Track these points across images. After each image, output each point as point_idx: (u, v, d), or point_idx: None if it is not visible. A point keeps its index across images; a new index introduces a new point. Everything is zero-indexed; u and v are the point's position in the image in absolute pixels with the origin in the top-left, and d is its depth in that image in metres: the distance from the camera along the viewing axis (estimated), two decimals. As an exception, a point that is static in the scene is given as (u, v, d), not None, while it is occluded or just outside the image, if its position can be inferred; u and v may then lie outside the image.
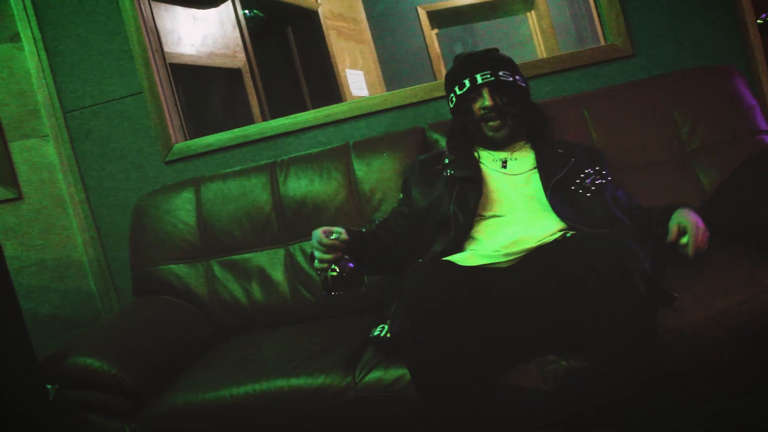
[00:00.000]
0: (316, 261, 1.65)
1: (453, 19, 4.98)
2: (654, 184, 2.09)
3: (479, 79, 1.83)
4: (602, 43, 2.47)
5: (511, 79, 1.85)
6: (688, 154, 2.13)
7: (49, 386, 1.85)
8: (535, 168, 1.86)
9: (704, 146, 2.13)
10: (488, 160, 1.92)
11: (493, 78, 1.82)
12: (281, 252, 2.28)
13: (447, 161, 1.94)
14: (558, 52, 4.40)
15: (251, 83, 3.71)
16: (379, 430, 1.67)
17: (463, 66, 1.91)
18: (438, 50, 4.81)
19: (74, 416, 1.83)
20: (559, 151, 1.89)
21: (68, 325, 2.70)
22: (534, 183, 1.83)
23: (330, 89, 4.27)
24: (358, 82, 4.58)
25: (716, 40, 2.37)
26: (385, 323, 1.75)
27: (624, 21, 2.38)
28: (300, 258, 2.26)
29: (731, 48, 2.36)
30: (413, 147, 2.26)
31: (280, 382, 1.71)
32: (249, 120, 3.65)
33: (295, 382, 1.70)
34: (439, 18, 4.84)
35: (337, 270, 1.63)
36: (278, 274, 2.25)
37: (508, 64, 1.89)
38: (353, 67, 4.55)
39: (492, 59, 1.89)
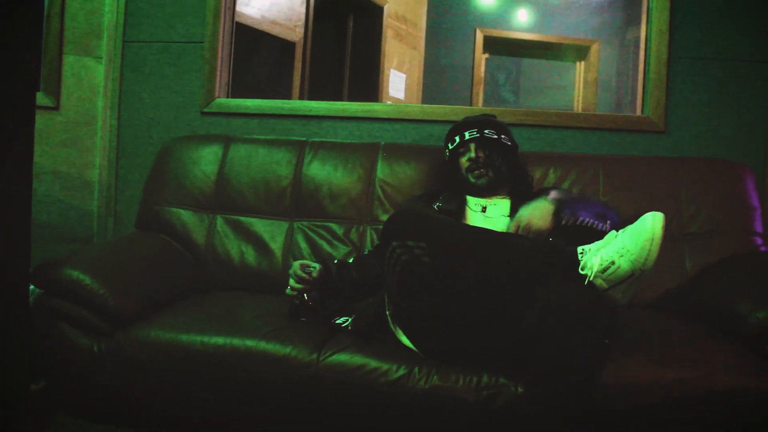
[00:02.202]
0: (288, 288, 1.96)
1: (506, 48, 5.07)
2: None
3: (467, 135, 2.15)
4: (638, 111, 2.56)
5: (495, 136, 2.15)
6: (683, 236, 2.23)
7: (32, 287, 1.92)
8: (507, 215, 2.08)
9: (700, 232, 2.24)
10: (472, 204, 2.15)
11: (478, 135, 2.14)
12: (285, 225, 2.39)
13: (441, 197, 2.14)
14: (594, 105, 4.49)
15: (300, 59, 3.81)
16: (335, 414, 1.75)
17: (458, 125, 2.22)
18: (482, 74, 4.89)
19: (49, 323, 1.89)
20: (531, 200, 2.04)
21: (59, 238, 2.79)
22: (505, 226, 2.03)
23: (370, 83, 4.36)
24: (399, 83, 4.67)
25: (743, 137, 2.48)
26: (350, 316, 1.88)
27: (665, 98, 2.48)
28: (300, 237, 2.36)
29: (753, 149, 2.47)
30: (438, 164, 2.37)
31: (250, 343, 1.78)
32: (287, 93, 3.76)
33: (264, 345, 1.78)
34: (493, 44, 4.93)
35: (299, 300, 1.93)
36: (275, 245, 2.36)
37: (496, 126, 2.19)
38: (399, 68, 4.64)
39: (482, 121, 2.19)
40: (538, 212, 1.91)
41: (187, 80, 2.74)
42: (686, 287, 2.14)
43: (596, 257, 1.54)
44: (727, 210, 2.24)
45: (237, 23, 2.94)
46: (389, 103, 2.55)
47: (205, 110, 2.72)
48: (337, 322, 1.89)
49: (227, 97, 2.78)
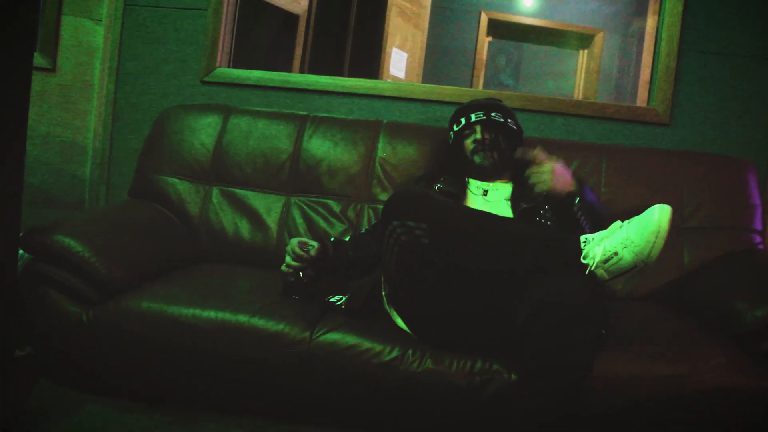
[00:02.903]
0: (284, 265, 1.92)
1: (509, 33, 5.02)
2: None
3: (473, 117, 2.11)
4: (639, 101, 2.54)
5: (502, 120, 2.11)
6: (683, 230, 2.22)
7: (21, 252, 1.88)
8: (509, 198, 2.05)
9: (700, 227, 2.22)
10: (473, 188, 2.12)
11: (485, 117, 2.10)
12: (282, 200, 2.35)
13: (442, 179, 2.12)
14: (594, 94, 4.46)
15: (303, 32, 3.75)
16: (326, 393, 1.73)
17: (464, 108, 2.18)
18: (484, 57, 4.85)
19: (37, 289, 1.86)
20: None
21: (49, 202, 2.75)
22: (507, 210, 2.02)
23: (371, 60, 4.31)
24: (400, 63, 4.61)
25: (748, 134, 2.46)
26: (344, 295, 1.85)
27: (673, 91, 2.45)
28: (296, 212, 2.33)
29: (758, 146, 2.45)
30: (440, 146, 2.35)
31: (242, 318, 1.76)
32: (287, 66, 3.70)
33: (256, 321, 1.75)
34: (497, 28, 4.88)
35: (294, 278, 1.90)
36: (271, 219, 2.32)
37: (503, 109, 2.16)
38: (401, 47, 4.58)
39: (489, 104, 2.15)
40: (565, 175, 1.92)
41: (189, 48, 2.69)
42: (683, 281, 2.13)
43: (599, 247, 1.52)
44: (728, 206, 2.22)
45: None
46: (392, 80, 2.50)
47: (206, 79, 2.67)
48: (331, 300, 1.86)
49: (228, 67, 2.74)
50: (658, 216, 1.47)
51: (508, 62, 5.39)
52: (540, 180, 1.88)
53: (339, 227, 2.29)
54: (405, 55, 4.66)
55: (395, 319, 1.79)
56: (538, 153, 1.91)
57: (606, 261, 1.50)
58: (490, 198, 2.07)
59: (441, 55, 4.83)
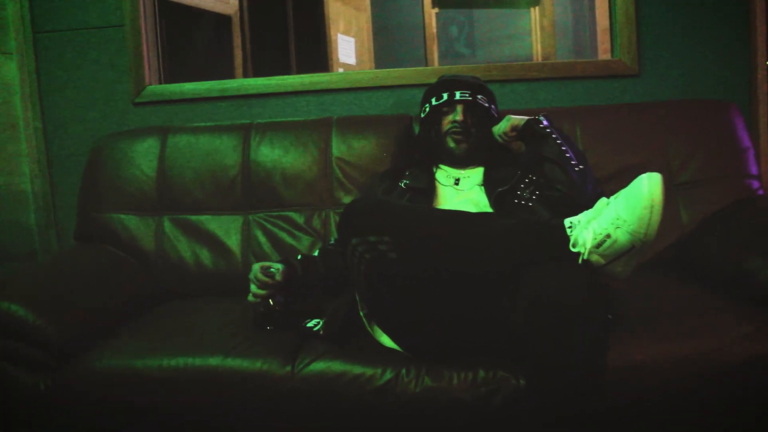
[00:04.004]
0: (250, 295, 1.74)
1: (455, 0, 4.87)
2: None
3: (458, 95, 1.91)
4: (600, 54, 2.38)
5: (486, 105, 1.94)
6: (674, 187, 2.07)
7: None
8: (481, 184, 1.89)
9: (692, 181, 2.08)
10: (443, 177, 1.95)
11: (470, 98, 1.91)
12: (239, 220, 2.16)
13: (407, 173, 1.96)
14: (554, 52, 4.32)
15: (239, 33, 3.54)
16: (316, 428, 1.58)
17: (447, 82, 1.98)
18: (434, 30, 4.70)
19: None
20: (506, 166, 1.91)
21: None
22: (481, 197, 1.85)
23: (318, 51, 4.14)
24: (348, 49, 4.45)
25: (723, 75, 2.31)
26: (321, 318, 1.69)
27: (636, 38, 2.29)
28: (258, 231, 2.15)
29: (736, 86, 2.30)
30: (399, 135, 2.17)
31: (214, 361, 1.59)
32: (230, 72, 3.50)
33: (230, 363, 1.58)
34: (443, -3, 4.72)
35: (263, 308, 1.73)
36: (232, 242, 2.14)
37: (488, 93, 1.98)
38: (346, 33, 4.41)
39: (476, 85, 1.97)
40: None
41: (113, 68, 2.47)
42: (685, 242, 1.99)
43: (588, 231, 1.36)
44: (718, 154, 2.07)
45: (166, 0, 2.67)
46: (340, 71, 2.32)
47: (137, 100, 2.46)
48: (308, 325, 1.69)
49: (160, 83, 2.52)
50: (648, 188, 1.31)
51: (460, 31, 5.27)
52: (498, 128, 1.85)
53: (306, 240, 2.11)
54: (352, 40, 4.49)
55: (379, 338, 1.63)
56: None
57: (599, 245, 1.34)
58: (463, 186, 1.90)
59: (389, 35, 4.70)
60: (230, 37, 3.48)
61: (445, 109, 1.93)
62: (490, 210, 1.80)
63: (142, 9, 2.43)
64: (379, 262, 1.46)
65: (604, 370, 1.40)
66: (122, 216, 2.16)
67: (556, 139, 1.75)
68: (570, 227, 1.40)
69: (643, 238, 1.31)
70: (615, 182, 2.02)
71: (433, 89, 1.99)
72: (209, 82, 2.46)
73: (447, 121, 1.93)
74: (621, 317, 1.56)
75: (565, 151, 1.73)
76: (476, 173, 1.92)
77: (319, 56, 4.11)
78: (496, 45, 5.16)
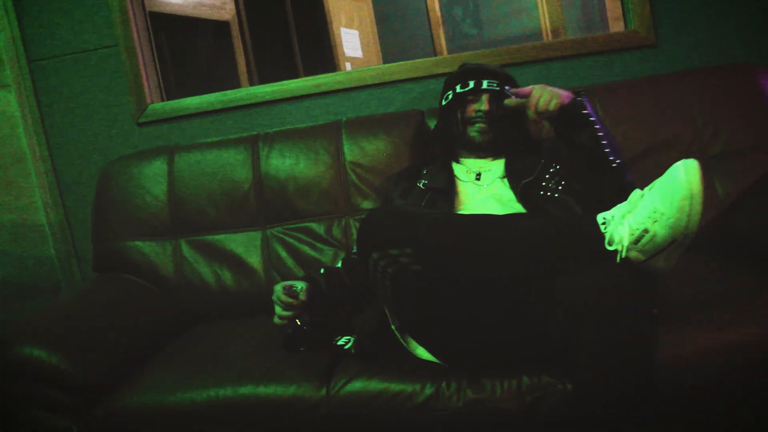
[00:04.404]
0: (275, 317, 1.69)
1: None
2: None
3: (485, 84, 1.81)
4: (611, 23, 2.27)
5: None
6: (707, 161, 1.95)
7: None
8: (503, 176, 1.80)
9: (725, 153, 1.97)
10: (462, 173, 1.86)
11: (498, 88, 1.81)
12: (258, 235, 2.10)
13: (425, 172, 1.88)
14: (563, 25, 4.19)
15: (239, 38, 3.46)
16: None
17: (473, 70, 1.87)
18: (438, 14, 4.60)
19: (16, 410, 1.64)
20: (529, 155, 1.82)
21: (22, 292, 2.50)
22: (505, 191, 1.77)
23: (323, 49, 4.05)
24: (353, 42, 4.36)
25: (747, 36, 2.18)
26: (351, 335, 1.63)
27: (649, 6, 2.18)
28: (278, 246, 2.08)
29: (762, 47, 2.17)
30: (412, 131, 2.09)
31: (246, 390, 1.54)
32: (235, 79, 3.42)
33: (263, 390, 1.53)
34: (442, -22, 4.60)
35: (291, 329, 1.68)
36: (253, 260, 2.07)
37: (514, 84, 1.87)
38: (349, 26, 4.31)
39: (502, 74, 1.87)
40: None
41: (113, 90, 2.40)
42: (723, 219, 1.87)
43: (623, 227, 1.27)
44: (750, 122, 1.96)
45: (157, 14, 2.60)
46: (347, 67, 2.23)
47: (141, 120, 2.39)
48: (338, 343, 1.62)
49: (162, 100, 2.45)
50: (684, 177, 1.21)
51: (466, 12, 5.14)
52: (529, 103, 1.64)
53: (328, 251, 2.04)
54: (356, 32, 4.40)
55: (415, 351, 1.55)
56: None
57: (637, 241, 1.26)
58: (485, 180, 1.81)
59: (393, 24, 4.59)
60: (230, 43, 3.40)
61: (470, 97, 1.82)
62: (515, 204, 1.71)
63: (134, 27, 2.35)
64: (403, 275, 1.39)
65: (656, 368, 1.33)
66: (138, 243, 2.10)
67: (598, 130, 1.63)
68: (604, 223, 1.31)
69: (685, 230, 1.22)
70: (644, 162, 1.96)
71: (458, 76, 1.88)
72: (212, 94, 2.39)
73: (471, 110, 1.82)
74: (667, 309, 1.47)
75: (605, 145, 1.62)
76: (497, 165, 1.84)
77: (324, 53, 4.02)
78: (503, 22, 5.03)
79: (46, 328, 1.74)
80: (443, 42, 4.55)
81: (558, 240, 1.34)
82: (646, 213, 1.24)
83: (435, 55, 4.46)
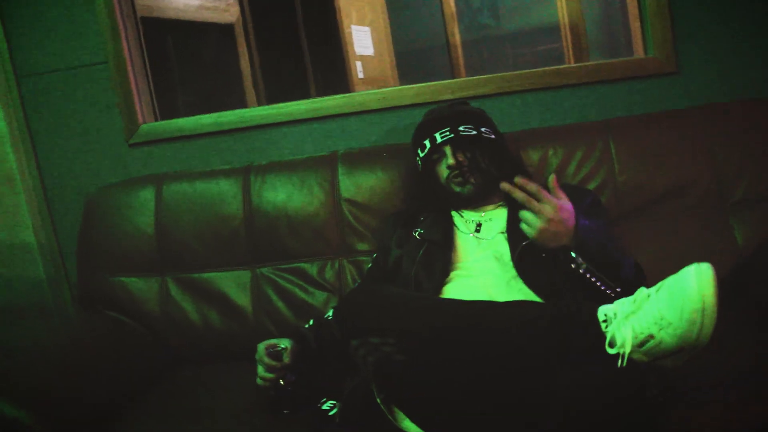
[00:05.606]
0: (258, 378, 1.58)
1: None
2: (679, 237, 1.82)
3: (438, 137, 1.70)
4: (631, 23, 2.14)
5: (474, 132, 1.70)
6: (728, 207, 1.83)
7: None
8: (504, 231, 1.67)
9: (746, 199, 1.84)
10: (462, 223, 1.75)
11: (452, 135, 1.69)
12: (247, 275, 1.99)
13: (422, 219, 1.77)
14: (581, 17, 4.02)
15: (244, 41, 3.34)
16: None
17: (425, 125, 1.78)
18: (453, 7, 4.44)
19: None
20: None
21: (11, 314, 2.43)
22: (506, 249, 1.64)
23: (333, 49, 3.91)
24: (365, 39, 4.22)
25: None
26: (338, 400, 1.52)
27: (671, 32, 2.03)
28: (268, 288, 1.97)
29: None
30: (408, 170, 1.96)
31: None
32: (239, 87, 3.31)
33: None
34: (459, -33, 4.45)
35: (274, 391, 1.58)
36: (243, 301, 1.97)
37: (473, 117, 1.75)
38: (360, 22, 4.17)
39: (453, 116, 1.74)
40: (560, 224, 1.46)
41: (104, 109, 2.29)
42: (742, 270, 1.74)
43: (627, 328, 1.15)
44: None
45: (154, 19, 2.47)
46: (348, 94, 2.10)
47: (132, 141, 2.28)
48: (323, 408, 1.53)
49: (155, 120, 2.35)
50: (697, 286, 1.09)
51: (484, 1, 4.99)
52: (526, 221, 1.47)
53: (320, 296, 1.92)
54: (368, 29, 4.25)
55: (401, 423, 1.45)
56: (532, 185, 1.47)
57: (641, 345, 1.14)
58: (484, 234, 1.69)
59: (406, 18, 4.45)
60: (234, 47, 3.28)
61: (434, 156, 1.72)
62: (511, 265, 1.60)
63: (124, 42, 2.23)
64: (386, 364, 1.30)
65: None
66: (123, 279, 2.01)
67: (591, 278, 1.45)
68: (605, 321, 1.19)
69: (695, 342, 1.10)
70: (662, 206, 1.85)
71: (415, 139, 1.79)
72: (207, 115, 2.27)
73: (442, 169, 1.71)
74: (673, 385, 1.35)
75: (600, 286, 1.45)
76: (499, 215, 1.71)
77: (334, 53, 3.88)
78: (521, 14, 4.88)
79: (21, 381, 1.62)
80: (458, 36, 4.41)
81: (555, 335, 1.22)
82: (653, 319, 1.12)
83: (448, 49, 4.33)
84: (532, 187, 1.46)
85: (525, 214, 1.46)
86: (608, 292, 1.45)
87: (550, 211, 1.43)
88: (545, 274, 1.53)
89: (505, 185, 1.48)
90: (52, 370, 1.69)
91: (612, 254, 1.50)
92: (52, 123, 2.33)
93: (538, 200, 1.44)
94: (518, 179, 1.47)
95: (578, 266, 1.44)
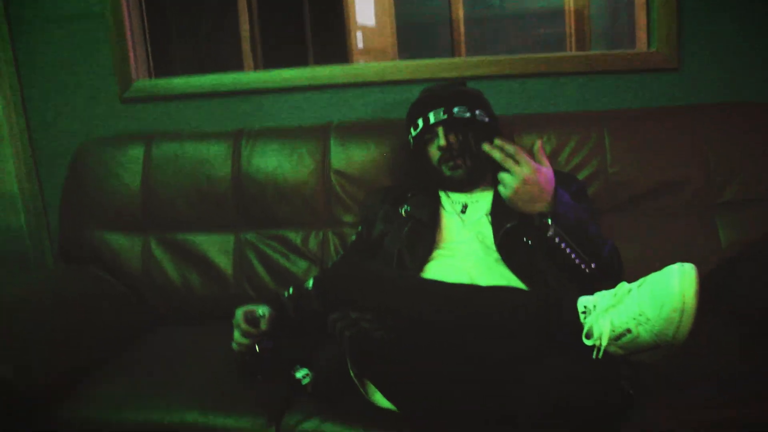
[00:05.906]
0: (234, 343, 1.56)
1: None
2: (664, 233, 1.83)
3: (432, 117, 1.68)
4: (637, 11, 2.12)
5: (468, 114, 1.68)
6: (714, 207, 1.84)
7: None
8: (489, 213, 1.65)
9: (734, 201, 1.84)
10: (448, 204, 1.73)
11: (446, 116, 1.67)
12: (231, 239, 1.99)
13: (410, 195, 1.75)
14: (587, 4, 3.99)
15: (245, 3, 3.28)
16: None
17: (420, 103, 1.75)
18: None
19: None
20: None
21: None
22: (489, 232, 1.63)
23: (335, 16, 3.86)
24: (367, 8, 4.18)
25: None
26: (310, 371, 1.51)
27: (677, 27, 2.01)
28: (251, 254, 1.97)
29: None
30: (402, 146, 1.93)
31: (192, 417, 1.45)
32: (237, 50, 3.25)
33: (210, 420, 1.44)
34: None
35: (249, 357, 1.56)
36: (224, 265, 1.97)
37: (469, 98, 1.72)
38: (363, -9, 4.13)
39: (449, 96, 1.71)
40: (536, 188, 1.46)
41: (98, 62, 2.26)
42: (723, 272, 1.75)
43: (605, 321, 1.16)
44: (766, 169, 1.83)
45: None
46: (353, 64, 2.08)
47: (126, 96, 2.26)
48: (296, 376, 1.53)
49: (150, 77, 2.32)
50: (678, 286, 1.09)
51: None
52: (502, 181, 1.46)
53: (302, 264, 1.93)
54: (370, -1, 4.21)
55: (373, 396, 1.45)
56: (511, 146, 1.46)
57: (617, 338, 1.15)
58: (470, 215, 1.69)
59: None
60: (235, 8, 3.23)
61: (426, 136, 1.70)
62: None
63: (123, -4, 2.20)
64: (363, 339, 1.29)
65: None
66: (106, 235, 2.00)
67: (566, 248, 1.47)
68: (584, 312, 1.20)
69: (671, 340, 1.11)
70: (653, 202, 1.85)
71: (409, 116, 1.77)
72: (201, 76, 2.25)
73: (434, 150, 1.70)
74: (648, 382, 1.36)
75: (575, 259, 1.48)
76: (485, 198, 1.70)
77: (336, 21, 3.84)
78: (528, -9, 4.85)
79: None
80: (461, 13, 4.36)
81: (533, 324, 1.23)
82: (632, 314, 1.13)
83: (450, 26, 4.28)
84: (510, 148, 1.45)
85: (502, 175, 1.46)
86: (582, 266, 1.47)
87: (527, 171, 1.42)
88: (527, 258, 1.53)
89: (485, 146, 1.47)
90: (34, 324, 1.69)
91: (589, 230, 1.50)
92: (46, 73, 2.29)
93: (517, 162, 1.44)
94: (497, 140, 1.46)
95: (554, 234, 1.44)
